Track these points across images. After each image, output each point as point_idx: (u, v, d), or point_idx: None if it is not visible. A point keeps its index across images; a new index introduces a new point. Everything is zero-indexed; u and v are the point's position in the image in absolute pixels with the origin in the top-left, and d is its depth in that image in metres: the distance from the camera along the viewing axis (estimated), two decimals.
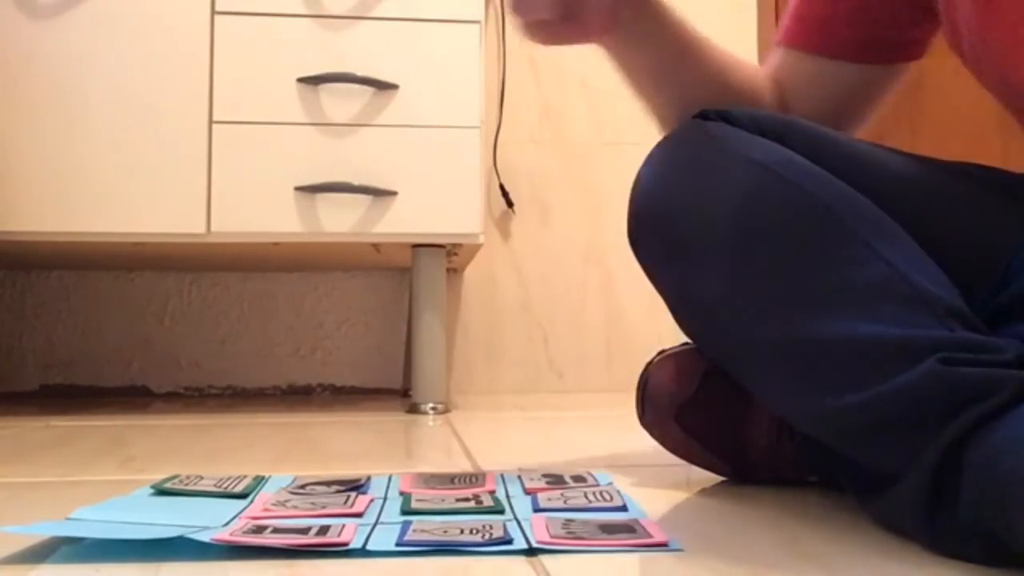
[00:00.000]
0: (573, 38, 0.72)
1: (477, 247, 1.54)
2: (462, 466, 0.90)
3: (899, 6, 0.78)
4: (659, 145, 0.71)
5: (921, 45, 0.80)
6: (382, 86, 1.41)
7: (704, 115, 0.69)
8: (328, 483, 0.72)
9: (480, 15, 1.46)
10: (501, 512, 0.63)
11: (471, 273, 1.88)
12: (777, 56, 0.83)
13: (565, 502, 0.65)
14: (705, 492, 0.75)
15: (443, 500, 0.66)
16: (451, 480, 0.73)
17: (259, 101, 1.40)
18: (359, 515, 0.62)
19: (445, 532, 0.56)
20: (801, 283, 0.59)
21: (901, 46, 0.80)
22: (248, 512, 0.63)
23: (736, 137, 0.65)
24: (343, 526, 0.57)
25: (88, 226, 1.36)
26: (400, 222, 1.40)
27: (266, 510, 0.63)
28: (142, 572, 0.51)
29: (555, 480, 0.73)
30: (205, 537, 0.54)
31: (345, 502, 0.65)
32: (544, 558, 0.52)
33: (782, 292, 0.59)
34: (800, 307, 0.59)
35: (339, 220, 1.39)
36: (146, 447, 1.06)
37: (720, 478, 0.79)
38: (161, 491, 0.70)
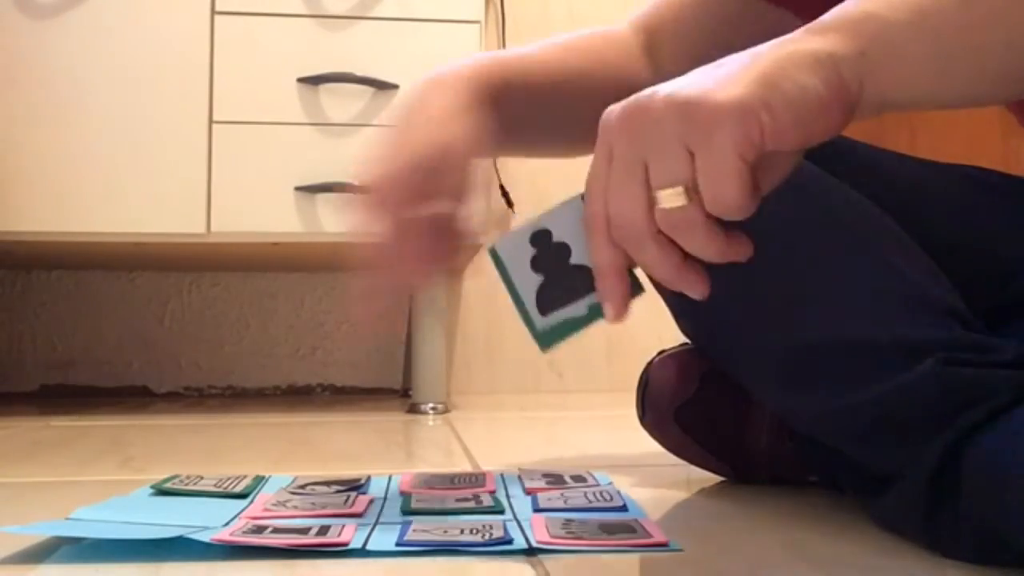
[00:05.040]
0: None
1: (477, 247, 1.53)
2: (462, 466, 0.90)
3: None
4: None
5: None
6: (382, 86, 1.41)
7: None
8: (328, 483, 0.72)
9: (480, 15, 1.46)
10: (501, 512, 0.63)
11: (471, 273, 1.88)
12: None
13: (565, 502, 0.65)
14: (705, 492, 0.75)
15: (443, 500, 0.66)
16: (451, 480, 0.73)
17: (259, 101, 1.40)
18: (359, 515, 0.62)
19: (445, 532, 0.56)
20: (800, 283, 0.59)
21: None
22: (248, 512, 0.63)
23: None
24: (343, 526, 0.57)
25: (88, 226, 1.36)
26: None
27: (266, 510, 0.63)
28: (142, 572, 0.51)
29: (555, 480, 0.73)
30: (205, 537, 0.54)
31: (345, 502, 0.65)
32: (544, 558, 0.52)
33: (782, 292, 0.59)
34: (800, 307, 0.59)
35: (339, 220, 1.39)
36: (146, 447, 1.06)
37: (720, 478, 0.79)
38: (161, 491, 0.70)
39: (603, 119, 0.47)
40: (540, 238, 0.50)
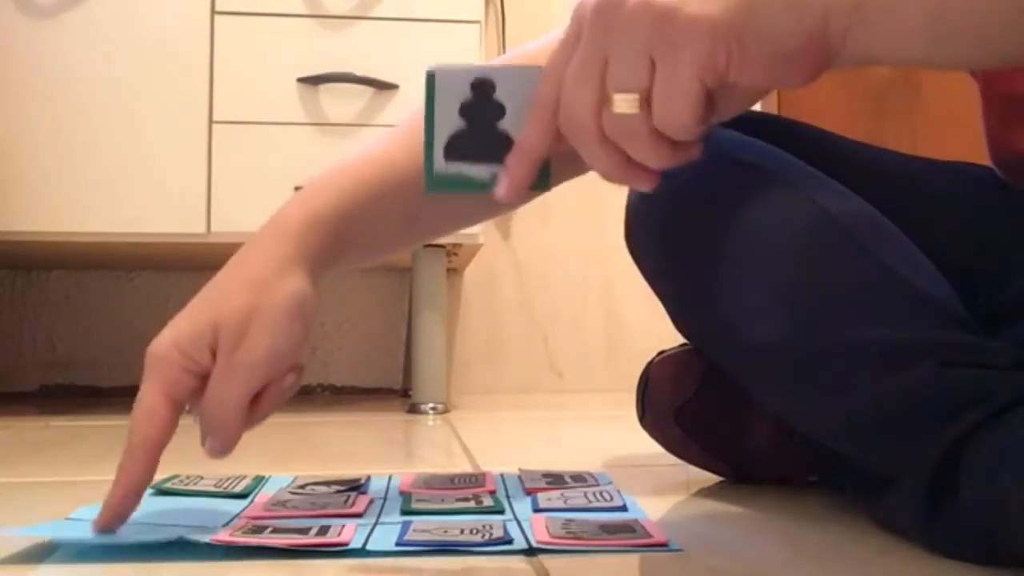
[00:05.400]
0: None
1: (477, 247, 1.53)
2: (462, 466, 0.90)
3: None
4: None
5: None
6: (382, 86, 1.41)
7: None
8: (328, 483, 0.72)
9: (480, 15, 1.46)
10: (501, 512, 0.63)
11: (471, 273, 1.88)
12: None
13: (565, 502, 0.65)
14: (705, 492, 0.75)
15: (443, 500, 0.66)
16: (451, 480, 0.73)
17: (259, 101, 1.40)
18: (359, 515, 0.62)
19: (445, 532, 0.56)
20: (799, 286, 0.59)
21: None
22: (248, 512, 0.63)
23: (729, 139, 0.64)
24: (343, 526, 0.57)
25: (88, 226, 1.36)
26: None
27: (266, 510, 0.63)
28: (142, 572, 0.51)
29: (555, 480, 0.73)
30: (205, 538, 0.54)
31: (345, 502, 0.65)
32: (544, 558, 0.52)
33: (780, 295, 0.59)
34: (798, 310, 0.59)
35: None
36: None
37: (720, 478, 0.79)
38: (161, 491, 0.70)
39: (579, 2, 0.45)
40: (481, 87, 0.48)
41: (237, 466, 0.82)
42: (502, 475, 0.76)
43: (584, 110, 0.44)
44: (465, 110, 0.48)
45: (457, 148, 0.48)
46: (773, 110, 1.91)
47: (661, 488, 0.76)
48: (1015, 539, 0.47)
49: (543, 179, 0.48)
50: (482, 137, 0.48)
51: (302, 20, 1.42)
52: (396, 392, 1.84)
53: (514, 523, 0.59)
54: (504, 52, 1.86)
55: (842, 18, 0.42)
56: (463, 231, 1.40)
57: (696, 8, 0.41)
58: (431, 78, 0.48)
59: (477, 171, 0.48)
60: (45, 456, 0.99)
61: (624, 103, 0.43)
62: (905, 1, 0.43)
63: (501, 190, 0.48)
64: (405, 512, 0.63)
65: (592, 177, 0.51)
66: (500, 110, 0.48)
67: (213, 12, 1.40)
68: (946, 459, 0.52)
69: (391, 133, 0.66)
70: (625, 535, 0.55)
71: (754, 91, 0.45)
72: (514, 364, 1.89)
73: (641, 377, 0.79)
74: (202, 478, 0.73)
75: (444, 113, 0.48)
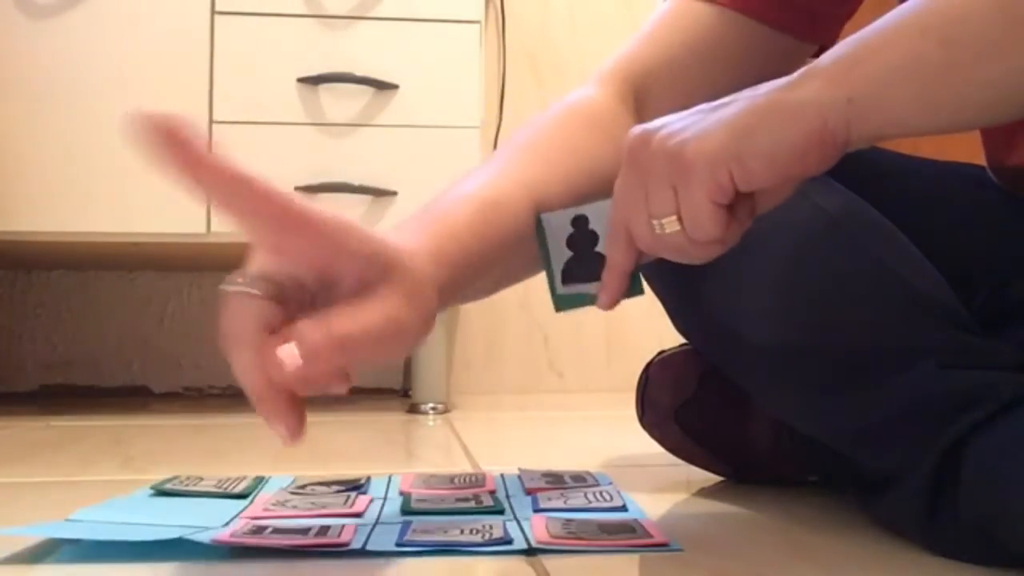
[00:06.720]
0: None
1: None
2: (462, 466, 0.90)
3: None
4: None
5: (837, 27, 0.69)
6: (382, 86, 1.41)
7: None
8: (328, 483, 0.72)
9: (480, 15, 1.46)
10: (501, 512, 0.63)
11: None
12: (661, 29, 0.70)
13: (565, 502, 0.65)
14: (705, 492, 0.75)
15: (443, 500, 0.66)
16: (451, 480, 0.73)
17: (259, 101, 1.40)
18: (359, 515, 0.62)
19: (445, 532, 0.56)
20: (797, 286, 0.59)
21: (823, 21, 0.67)
22: (248, 512, 0.63)
23: None
24: (343, 526, 0.57)
25: (88, 226, 1.36)
26: None
27: (266, 510, 0.63)
28: (142, 572, 0.51)
29: (555, 480, 0.73)
30: (205, 538, 0.54)
31: (345, 502, 0.65)
32: (544, 558, 0.52)
33: (780, 296, 0.59)
34: (797, 311, 0.59)
35: None
36: (146, 447, 1.06)
37: (720, 478, 0.79)
38: (161, 491, 0.70)
39: (624, 140, 0.52)
40: (579, 221, 0.57)
41: (237, 467, 0.82)
42: (502, 475, 0.76)
43: (642, 231, 0.51)
44: (570, 241, 0.57)
45: (569, 274, 0.57)
46: None
47: (661, 488, 0.76)
48: (1015, 539, 0.47)
49: (636, 286, 0.55)
50: (586, 261, 0.57)
51: (302, 20, 1.42)
52: (396, 392, 1.84)
53: (514, 523, 0.59)
54: (504, 52, 1.85)
55: (839, 114, 0.46)
56: None
57: (697, 143, 0.47)
58: (539, 223, 0.57)
59: (588, 288, 0.57)
60: (45, 456, 0.99)
61: (662, 226, 0.50)
62: (892, 85, 0.46)
63: (601, 304, 0.55)
64: (405, 512, 0.63)
65: None
66: (595, 237, 0.56)
67: (213, 12, 1.40)
68: (946, 459, 0.52)
69: (495, 175, 0.63)
70: (625, 535, 0.56)
71: (785, 187, 0.50)
72: (514, 364, 1.89)
73: (641, 377, 0.79)
74: (202, 479, 0.73)
75: (555, 247, 0.57)
